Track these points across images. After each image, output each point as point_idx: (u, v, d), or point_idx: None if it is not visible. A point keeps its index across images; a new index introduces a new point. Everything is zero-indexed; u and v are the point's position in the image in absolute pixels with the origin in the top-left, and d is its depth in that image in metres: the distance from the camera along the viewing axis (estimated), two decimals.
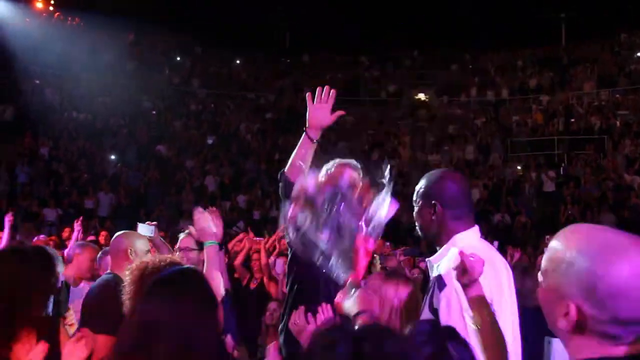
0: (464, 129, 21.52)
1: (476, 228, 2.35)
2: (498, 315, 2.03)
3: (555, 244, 1.36)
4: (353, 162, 3.23)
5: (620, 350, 1.27)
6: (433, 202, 2.32)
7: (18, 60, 21.20)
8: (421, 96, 25.61)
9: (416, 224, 2.44)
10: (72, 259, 5.06)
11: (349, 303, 2.39)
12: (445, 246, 2.32)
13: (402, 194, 15.34)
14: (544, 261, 1.39)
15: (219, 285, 3.02)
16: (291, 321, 2.71)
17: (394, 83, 25.99)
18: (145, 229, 4.10)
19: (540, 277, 1.40)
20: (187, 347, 1.71)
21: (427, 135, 21.33)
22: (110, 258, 3.74)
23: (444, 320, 2.13)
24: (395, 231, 15.66)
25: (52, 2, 27.74)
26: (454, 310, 2.11)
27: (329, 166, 3.19)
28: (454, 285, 2.11)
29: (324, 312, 2.65)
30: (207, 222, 3.06)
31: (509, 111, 22.71)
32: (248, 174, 18.80)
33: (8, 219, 6.37)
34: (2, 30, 22.68)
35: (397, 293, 2.60)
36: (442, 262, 2.30)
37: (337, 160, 3.23)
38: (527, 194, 17.08)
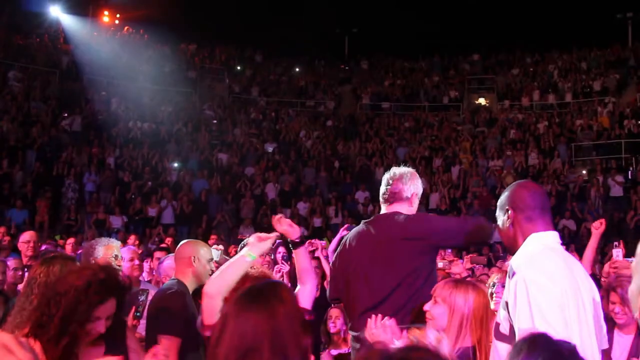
0: (527, 133, 21.04)
1: (555, 233, 2.42)
2: (572, 322, 2.11)
3: None
4: None
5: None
6: (507, 208, 2.46)
7: (86, 72, 22.03)
8: (481, 101, 25.23)
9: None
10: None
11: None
12: (522, 246, 2.41)
13: (462, 199, 15.13)
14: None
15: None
16: (368, 330, 2.72)
17: (454, 88, 25.67)
18: (212, 252, 4.19)
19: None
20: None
21: (488, 140, 20.95)
22: (175, 264, 3.84)
23: (512, 312, 2.20)
24: None
25: (118, 16, 28.73)
26: (521, 298, 2.17)
27: None
28: (523, 273, 2.21)
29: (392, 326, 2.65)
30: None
31: (573, 115, 22.09)
32: (308, 181, 18.88)
33: None
34: (72, 43, 23.64)
35: (467, 301, 2.59)
36: (516, 255, 2.40)
37: None
38: (593, 199, 16.55)
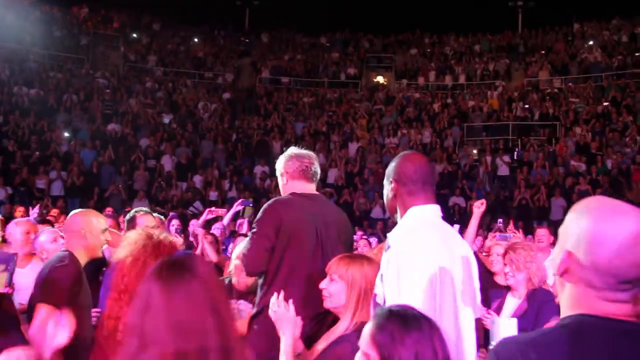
0: (422, 112, 21.70)
1: (435, 206, 2.45)
2: (439, 295, 2.19)
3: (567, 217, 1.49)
4: None
5: (608, 307, 1.37)
6: (390, 180, 2.48)
7: None
8: (379, 79, 25.71)
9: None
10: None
11: None
12: (401, 219, 2.45)
13: (359, 176, 15.45)
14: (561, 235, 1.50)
15: None
16: (271, 308, 2.69)
17: (353, 65, 25.99)
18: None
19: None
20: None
21: (385, 118, 21.46)
22: (65, 237, 3.69)
23: (387, 282, 2.25)
24: (350, 214, 15.81)
25: None
26: (391, 271, 2.23)
27: None
28: (397, 247, 2.26)
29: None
30: None
31: (465, 96, 23.00)
32: (205, 154, 18.64)
33: None
34: None
35: (364, 275, 2.63)
36: (395, 229, 2.42)
37: None
38: (482, 178, 17.37)
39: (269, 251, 3.20)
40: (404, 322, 1.63)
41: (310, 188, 3.43)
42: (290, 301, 2.66)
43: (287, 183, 3.45)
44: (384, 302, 2.26)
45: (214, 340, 1.65)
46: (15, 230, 4.53)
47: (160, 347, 1.63)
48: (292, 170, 3.41)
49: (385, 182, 2.53)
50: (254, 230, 3.28)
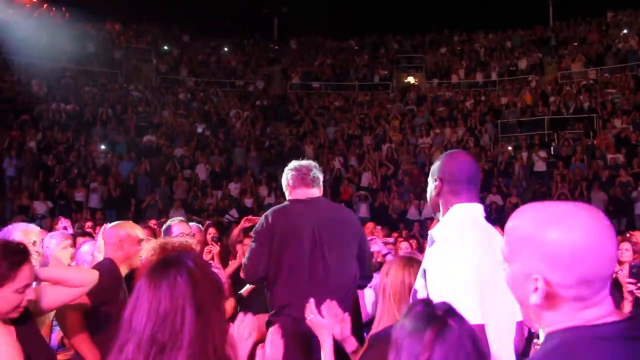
0: (455, 111, 21.51)
1: (479, 205, 2.47)
2: (483, 293, 2.14)
3: (511, 225, 1.42)
4: None
5: (592, 313, 1.32)
6: (435, 177, 2.51)
7: (3, 52, 21.07)
8: (410, 79, 25.59)
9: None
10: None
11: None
12: (444, 216, 2.46)
13: (393, 178, 15.33)
14: (504, 246, 1.44)
15: None
16: (306, 315, 2.75)
17: (383, 67, 25.92)
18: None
19: (504, 265, 1.45)
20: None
21: (417, 118, 21.33)
22: (105, 247, 3.77)
23: (428, 279, 2.24)
24: (386, 216, 15.76)
25: None
26: (436, 266, 2.23)
27: None
28: (441, 243, 2.28)
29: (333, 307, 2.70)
30: None
31: (498, 93, 22.73)
32: (238, 162, 18.77)
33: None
34: None
35: (404, 274, 2.65)
36: (438, 225, 2.45)
37: None
38: (518, 174, 17.13)
39: (266, 258, 3.45)
40: (432, 319, 1.59)
41: (311, 193, 3.69)
42: (323, 307, 2.73)
43: (290, 193, 3.74)
44: (427, 297, 2.24)
45: (188, 336, 1.72)
46: (50, 242, 4.61)
47: (138, 336, 1.72)
48: (292, 181, 3.71)
49: (430, 180, 2.58)
50: (252, 239, 3.58)
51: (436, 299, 1.94)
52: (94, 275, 2.85)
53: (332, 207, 3.88)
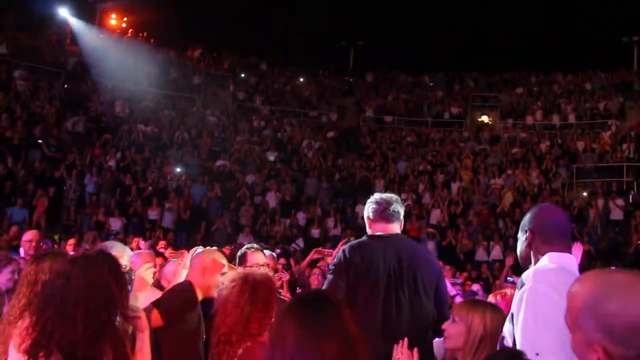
0: (529, 153, 21.06)
1: (571, 256, 2.45)
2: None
3: (573, 291, 1.43)
4: None
5: None
6: (526, 229, 2.51)
7: (91, 74, 22.13)
8: (484, 118, 25.30)
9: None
10: None
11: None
12: (536, 263, 2.45)
13: (462, 217, 15.10)
14: (566, 313, 1.45)
15: None
16: (395, 356, 2.78)
17: (457, 104, 25.74)
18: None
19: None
20: None
21: (490, 158, 20.99)
22: (189, 270, 3.87)
23: (516, 322, 2.22)
24: (453, 255, 15.51)
25: (125, 19, 28.91)
26: (525, 309, 2.19)
27: None
28: (532, 284, 2.23)
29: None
30: None
31: (575, 136, 22.13)
32: (309, 192, 18.92)
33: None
34: (78, 45, 23.76)
35: (484, 321, 2.63)
36: (529, 269, 2.42)
37: None
38: (593, 221, 16.57)
39: (343, 290, 3.46)
40: None
41: (390, 228, 3.70)
42: (415, 350, 2.75)
43: (369, 227, 3.77)
44: (514, 342, 2.21)
45: None
46: (137, 261, 4.77)
47: None
48: (373, 214, 3.74)
49: (520, 233, 2.57)
50: (330, 271, 3.64)
51: (523, 344, 1.92)
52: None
53: (411, 245, 3.84)
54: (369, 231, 3.77)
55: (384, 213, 3.70)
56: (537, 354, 2.05)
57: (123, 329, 2.44)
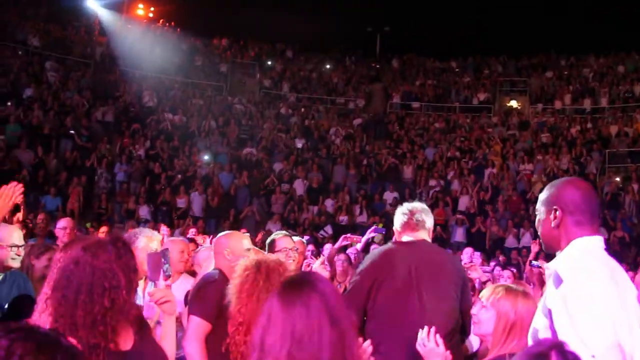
0: (559, 138, 20.72)
1: (600, 237, 2.30)
2: (623, 335, 2.03)
3: None
4: None
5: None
6: (554, 207, 2.32)
7: (120, 64, 22.36)
8: (513, 103, 24.96)
9: (539, 234, 2.45)
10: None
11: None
12: (564, 250, 2.30)
13: (492, 204, 14.93)
14: None
15: None
16: (419, 342, 2.81)
17: (485, 89, 25.41)
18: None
19: None
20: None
21: (519, 143, 20.70)
22: (215, 256, 3.92)
23: (557, 322, 2.11)
24: (482, 242, 15.39)
25: (152, 9, 29.13)
26: (566, 306, 2.09)
27: None
28: (572, 284, 2.12)
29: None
30: None
31: (607, 120, 21.71)
32: (337, 179, 18.90)
33: None
34: (107, 36, 24.01)
35: (515, 308, 2.60)
36: (560, 258, 2.29)
37: None
38: (628, 207, 16.27)
39: (364, 292, 3.60)
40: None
41: (416, 235, 3.82)
42: (438, 337, 2.80)
43: (397, 235, 3.92)
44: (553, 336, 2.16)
45: (328, 351, 1.72)
46: (173, 248, 4.83)
47: (274, 357, 1.73)
48: (399, 225, 3.89)
49: (542, 209, 2.39)
50: (356, 273, 3.81)
51: (578, 347, 1.84)
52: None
53: (435, 249, 3.98)
54: (395, 238, 3.96)
55: (409, 223, 3.83)
56: (593, 356, 1.97)
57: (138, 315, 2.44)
